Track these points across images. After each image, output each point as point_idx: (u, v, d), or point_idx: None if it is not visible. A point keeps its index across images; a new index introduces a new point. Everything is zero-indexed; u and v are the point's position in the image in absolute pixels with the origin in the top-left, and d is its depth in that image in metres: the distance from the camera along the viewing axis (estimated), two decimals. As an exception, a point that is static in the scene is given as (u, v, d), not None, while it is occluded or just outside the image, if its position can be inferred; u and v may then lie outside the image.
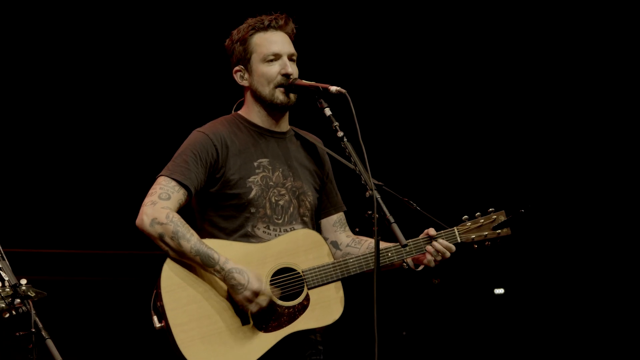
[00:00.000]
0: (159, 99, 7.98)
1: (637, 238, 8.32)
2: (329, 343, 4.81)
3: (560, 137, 8.38)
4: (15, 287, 4.14)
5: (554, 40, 8.20)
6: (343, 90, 4.50)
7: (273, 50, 4.67)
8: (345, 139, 4.51)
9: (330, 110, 4.53)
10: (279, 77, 4.66)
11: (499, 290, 8.77)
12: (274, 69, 4.67)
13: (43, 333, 4.07)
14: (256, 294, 4.50)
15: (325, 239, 4.85)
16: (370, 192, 4.35)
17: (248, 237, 4.64)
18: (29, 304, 4.13)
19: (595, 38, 8.15)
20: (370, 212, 4.34)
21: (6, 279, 4.14)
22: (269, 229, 4.66)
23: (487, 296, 8.73)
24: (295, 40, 4.79)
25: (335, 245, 4.87)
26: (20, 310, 4.14)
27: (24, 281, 4.22)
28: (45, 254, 7.68)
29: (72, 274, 7.77)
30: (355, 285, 4.75)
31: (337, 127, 4.51)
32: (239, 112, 4.79)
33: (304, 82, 4.65)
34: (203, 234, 4.67)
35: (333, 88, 4.52)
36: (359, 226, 4.90)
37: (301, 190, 4.75)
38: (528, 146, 8.44)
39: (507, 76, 8.36)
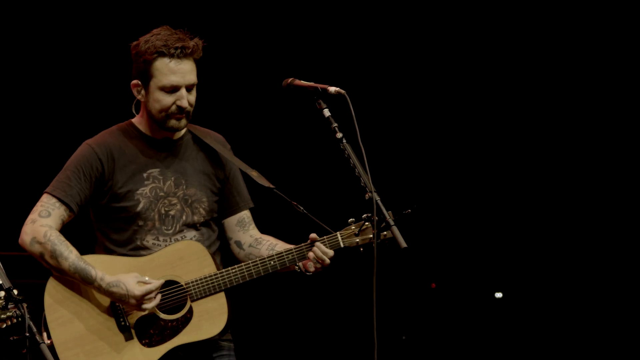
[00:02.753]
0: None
1: (636, 240, 8.29)
2: (238, 340, 4.77)
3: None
4: (9, 291, 4.10)
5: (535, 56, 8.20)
6: (342, 91, 4.45)
7: (172, 82, 4.59)
8: (344, 140, 4.47)
9: (330, 111, 4.49)
10: (173, 107, 4.61)
11: (500, 294, 8.74)
12: (169, 100, 4.60)
13: (37, 337, 4.03)
14: (143, 296, 4.49)
15: (229, 239, 4.83)
16: (369, 194, 4.31)
17: (139, 250, 4.63)
18: (23, 308, 4.09)
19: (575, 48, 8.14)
20: (369, 215, 4.32)
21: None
22: (158, 240, 4.64)
23: (487, 300, 8.70)
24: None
25: (238, 245, 4.83)
26: (15, 314, 4.11)
27: None
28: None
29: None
30: (355, 287, 4.72)
31: (336, 129, 4.47)
32: (133, 120, 4.75)
33: (303, 82, 4.61)
34: (98, 245, 4.69)
35: (332, 89, 4.48)
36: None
37: (194, 198, 4.70)
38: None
39: (506, 82, 8.35)
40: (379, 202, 4.30)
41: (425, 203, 7.54)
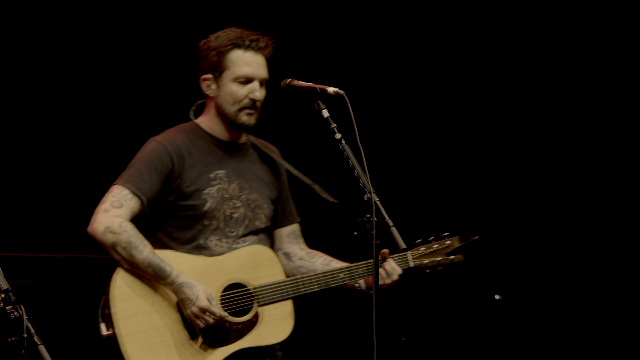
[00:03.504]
0: (155, 99, 7.91)
1: (636, 241, 8.28)
2: (288, 349, 4.77)
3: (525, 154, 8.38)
4: (7, 292, 4.09)
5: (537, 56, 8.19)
6: (341, 92, 4.45)
7: (246, 73, 4.63)
8: (343, 141, 4.46)
9: (328, 111, 4.48)
10: (246, 100, 4.64)
11: (499, 296, 8.72)
12: (242, 91, 4.63)
13: (35, 339, 4.03)
14: (203, 310, 4.48)
15: (278, 250, 4.84)
16: (368, 195, 4.31)
17: (200, 249, 4.62)
18: (21, 309, 4.09)
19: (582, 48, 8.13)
20: (368, 216, 4.31)
21: None
22: (221, 241, 4.64)
23: (488, 302, 8.68)
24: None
25: (287, 256, 4.84)
26: (12, 315, 4.10)
27: None
28: (36, 259, 7.63)
29: (65, 279, 7.72)
30: (354, 288, 4.71)
31: (335, 129, 4.47)
32: (198, 120, 4.75)
33: (301, 83, 4.60)
34: (155, 241, 4.64)
35: (331, 89, 4.48)
36: (357, 230, 4.84)
37: (256, 203, 4.71)
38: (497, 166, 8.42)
39: (504, 85, 8.33)
40: (378, 203, 4.29)
41: (424, 203, 7.52)
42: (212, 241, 4.61)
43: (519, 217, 8.45)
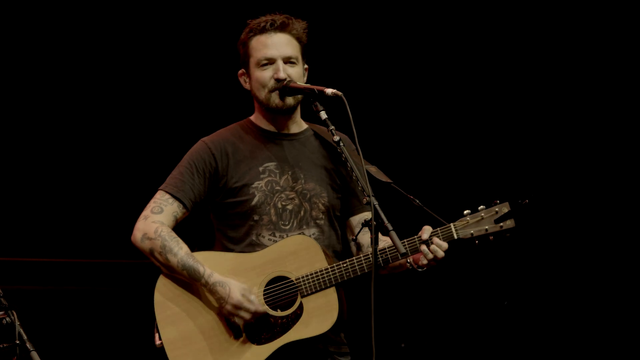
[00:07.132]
0: (160, 101, 7.90)
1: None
2: (353, 345, 4.70)
3: (561, 128, 8.32)
4: (-2, 297, 4.08)
5: (554, 30, 8.14)
6: (339, 93, 4.39)
7: (265, 55, 4.58)
8: (341, 144, 4.42)
9: (326, 113, 4.43)
10: (272, 82, 4.56)
11: (504, 301, 8.69)
12: (267, 74, 4.57)
13: (28, 345, 4.02)
14: (237, 307, 4.43)
15: (350, 240, 4.76)
16: (367, 198, 4.25)
17: (254, 246, 4.55)
18: (13, 315, 4.07)
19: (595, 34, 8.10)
20: (368, 219, 4.26)
21: None
22: (274, 235, 4.57)
23: (489, 305, 8.65)
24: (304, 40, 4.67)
25: (358, 247, 4.75)
26: (4, 321, 4.08)
27: None
28: (28, 263, 7.62)
29: (57, 284, 7.70)
30: (353, 292, 4.66)
31: (333, 131, 4.43)
32: (250, 117, 4.72)
33: (299, 84, 4.55)
34: (217, 244, 4.63)
35: (329, 90, 4.43)
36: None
37: (313, 192, 4.62)
38: (530, 137, 8.37)
39: (501, 70, 8.29)
40: (377, 206, 4.23)
41: (424, 206, 7.44)
42: (265, 236, 4.55)
43: (522, 219, 8.41)
